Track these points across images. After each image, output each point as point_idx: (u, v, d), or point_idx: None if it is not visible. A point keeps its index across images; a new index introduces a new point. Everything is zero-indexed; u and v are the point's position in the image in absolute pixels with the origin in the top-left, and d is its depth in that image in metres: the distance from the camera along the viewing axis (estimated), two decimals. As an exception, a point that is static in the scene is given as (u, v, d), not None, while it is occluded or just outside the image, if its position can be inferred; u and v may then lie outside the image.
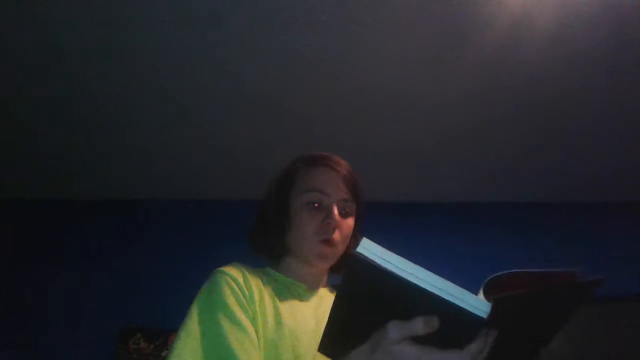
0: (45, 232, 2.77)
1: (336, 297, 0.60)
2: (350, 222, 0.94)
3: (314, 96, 2.11)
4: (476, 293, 0.54)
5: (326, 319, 0.61)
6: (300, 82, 2.02)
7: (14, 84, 2.06)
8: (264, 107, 2.17)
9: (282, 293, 0.87)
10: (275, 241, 0.95)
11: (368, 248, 0.52)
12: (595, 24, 1.72)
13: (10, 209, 2.82)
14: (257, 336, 0.76)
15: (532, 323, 0.59)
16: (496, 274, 0.54)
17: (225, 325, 0.74)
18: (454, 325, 0.53)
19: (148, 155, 2.50)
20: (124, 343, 2.36)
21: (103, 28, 1.77)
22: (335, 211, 0.90)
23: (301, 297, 0.90)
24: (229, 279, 0.81)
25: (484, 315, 0.50)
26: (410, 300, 0.53)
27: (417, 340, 0.54)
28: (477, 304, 0.50)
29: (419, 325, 0.53)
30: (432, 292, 0.51)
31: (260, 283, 0.86)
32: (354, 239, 0.95)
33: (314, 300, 0.91)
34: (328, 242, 0.89)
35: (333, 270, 0.97)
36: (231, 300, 0.78)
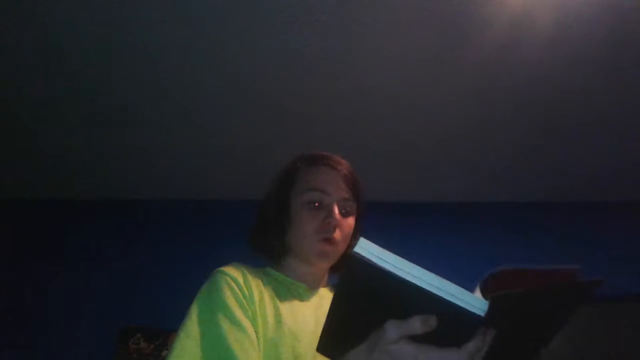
0: (45, 232, 2.77)
1: (334, 296, 0.60)
2: (350, 221, 0.94)
3: (314, 96, 2.11)
4: (474, 291, 0.54)
5: None
6: (300, 82, 2.02)
7: (14, 84, 2.06)
8: (264, 107, 2.17)
9: (282, 293, 0.87)
10: (276, 241, 0.95)
11: (365, 248, 0.52)
12: (595, 24, 1.72)
13: (10, 209, 2.82)
14: (257, 336, 0.76)
15: (531, 322, 0.58)
16: (493, 271, 0.54)
17: (225, 325, 0.74)
18: (451, 324, 0.53)
19: (148, 155, 2.50)
20: (124, 343, 2.36)
21: (103, 28, 1.77)
22: (336, 210, 0.90)
23: (301, 297, 0.90)
24: (228, 279, 0.81)
25: (482, 314, 0.50)
26: (408, 299, 0.53)
27: (415, 339, 0.54)
28: (475, 302, 0.51)
29: (417, 324, 0.54)
30: (429, 291, 0.51)
31: (261, 283, 0.86)
32: (355, 239, 0.95)
33: (314, 300, 0.91)
34: (329, 240, 0.89)
35: (333, 270, 0.97)
36: (231, 301, 0.78)
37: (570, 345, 2.33)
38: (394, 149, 2.43)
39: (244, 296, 0.80)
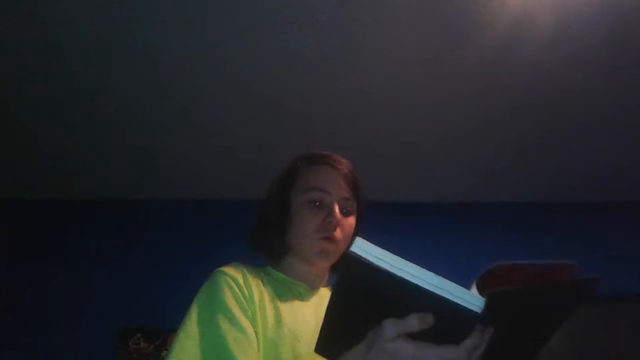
0: (45, 232, 2.77)
1: (331, 296, 0.60)
2: (351, 220, 0.94)
3: (314, 96, 2.10)
4: (470, 288, 0.54)
5: None
6: (300, 82, 2.02)
7: (14, 84, 2.06)
8: (264, 107, 2.17)
9: (283, 293, 0.87)
10: (276, 240, 0.95)
11: (362, 247, 0.53)
12: (595, 24, 1.72)
13: (10, 209, 2.82)
14: (257, 336, 0.76)
15: (529, 320, 0.58)
16: (489, 267, 0.54)
17: (224, 326, 0.74)
18: (449, 321, 0.53)
19: (148, 155, 2.50)
20: (124, 343, 2.36)
21: (103, 28, 1.77)
22: (337, 209, 0.90)
23: (302, 297, 0.90)
24: (228, 279, 0.81)
25: (478, 310, 0.50)
26: (404, 297, 0.53)
27: (413, 337, 0.55)
28: (471, 299, 0.51)
29: (414, 322, 0.54)
30: (426, 289, 0.51)
31: (261, 283, 0.86)
32: (355, 238, 0.95)
33: (314, 299, 0.91)
34: (329, 239, 0.89)
35: (334, 269, 0.97)
36: (231, 301, 0.78)
37: (571, 345, 2.33)
38: (394, 149, 2.43)
39: (244, 296, 0.80)
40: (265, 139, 2.36)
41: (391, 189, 2.65)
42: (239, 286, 0.81)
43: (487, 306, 0.50)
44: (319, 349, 0.63)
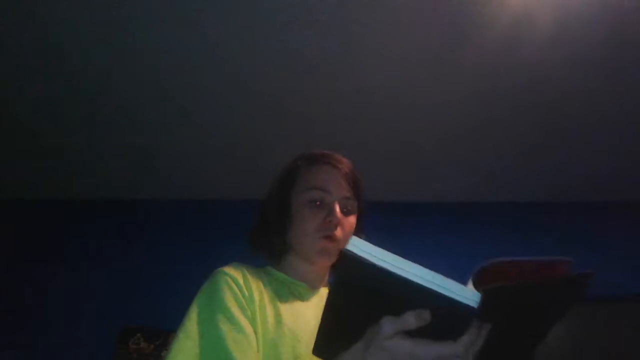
0: (45, 232, 2.77)
1: (328, 296, 0.60)
2: (352, 220, 0.94)
3: (314, 96, 2.11)
4: (466, 285, 0.54)
5: None
6: (300, 82, 2.02)
7: (14, 84, 2.06)
8: (264, 107, 2.17)
9: (283, 293, 0.87)
10: (277, 239, 0.95)
11: (358, 245, 0.53)
12: (595, 24, 1.72)
13: (10, 209, 2.82)
14: (256, 337, 0.76)
15: (526, 317, 0.59)
16: (484, 264, 0.54)
17: (224, 327, 0.74)
18: (446, 317, 0.53)
19: (148, 155, 2.50)
20: (124, 343, 2.36)
21: (103, 28, 1.77)
22: (337, 209, 0.90)
23: (302, 297, 0.89)
24: (228, 279, 0.81)
25: (474, 305, 0.50)
26: (401, 294, 0.53)
27: (411, 334, 0.55)
28: (467, 294, 0.51)
29: (411, 319, 0.54)
30: (422, 285, 0.51)
31: (261, 283, 0.86)
32: (351, 237, 0.95)
33: (315, 299, 0.91)
34: (330, 238, 0.89)
35: (334, 269, 0.97)
36: (230, 301, 0.78)
37: (571, 345, 2.33)
38: (394, 149, 2.43)
39: (244, 296, 0.80)
40: (265, 139, 2.36)
41: (391, 189, 2.65)
42: (239, 286, 0.80)
43: (483, 302, 0.50)
44: (317, 350, 0.63)
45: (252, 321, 0.77)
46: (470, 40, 1.80)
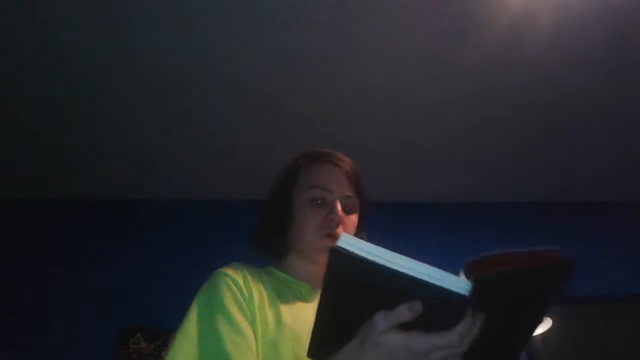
0: (45, 232, 2.77)
1: (321, 296, 0.60)
2: (354, 218, 0.94)
3: (314, 96, 2.11)
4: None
5: None
6: (300, 82, 2.02)
7: (14, 84, 2.06)
8: (264, 107, 2.17)
9: (284, 293, 0.87)
10: (278, 238, 0.94)
11: (348, 242, 0.53)
12: (595, 24, 1.72)
13: (10, 209, 2.82)
14: (256, 337, 0.76)
15: (517, 304, 0.59)
16: (475, 257, 0.54)
17: (223, 328, 0.73)
18: (438, 307, 0.53)
19: (148, 155, 2.50)
20: (124, 343, 2.36)
21: (103, 28, 1.77)
22: (339, 207, 0.90)
23: (303, 297, 0.89)
24: (229, 280, 0.81)
25: (466, 293, 0.51)
26: (393, 288, 0.54)
27: (405, 327, 0.55)
28: (458, 283, 0.51)
29: (405, 312, 0.54)
30: (413, 276, 0.51)
31: (261, 283, 0.86)
32: (357, 236, 0.95)
33: (316, 300, 0.90)
34: (331, 236, 0.88)
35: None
36: (230, 302, 0.77)
37: (571, 345, 2.33)
38: (394, 149, 2.43)
39: (244, 297, 0.79)
40: (265, 139, 2.35)
41: (391, 189, 2.65)
42: (239, 287, 0.80)
43: (474, 291, 0.51)
44: (311, 353, 0.63)
45: (252, 322, 0.77)
46: (470, 40, 1.80)
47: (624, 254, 2.55)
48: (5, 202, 2.82)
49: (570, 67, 1.92)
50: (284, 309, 0.83)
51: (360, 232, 0.96)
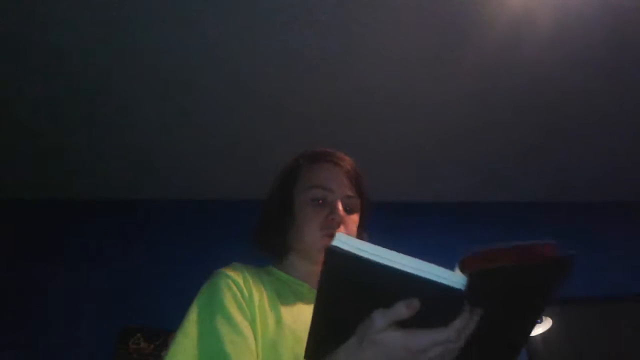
0: (45, 232, 2.77)
1: (317, 297, 0.60)
2: (355, 218, 0.94)
3: (314, 96, 2.11)
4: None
5: None
6: (300, 82, 2.02)
7: (14, 84, 2.06)
8: (264, 107, 2.17)
9: (284, 293, 0.87)
10: (278, 239, 0.94)
11: (343, 241, 0.53)
12: (595, 24, 1.72)
13: (10, 209, 2.82)
14: (256, 337, 0.76)
15: (515, 301, 0.59)
16: (470, 252, 0.54)
17: (223, 328, 0.73)
18: (435, 303, 0.53)
19: (148, 155, 2.50)
20: (124, 343, 2.36)
21: (103, 28, 1.77)
22: (340, 207, 0.90)
23: (304, 297, 0.89)
24: (229, 280, 0.81)
25: (462, 288, 0.51)
26: (390, 285, 0.54)
27: (403, 324, 0.55)
28: (454, 277, 0.51)
29: (402, 309, 0.54)
30: (409, 273, 0.51)
31: (261, 284, 0.85)
32: (359, 236, 0.95)
33: (316, 300, 0.91)
34: (332, 236, 0.88)
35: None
36: (230, 302, 0.77)
37: (571, 345, 2.33)
38: (394, 149, 2.43)
39: (244, 298, 0.79)
40: (265, 139, 2.35)
41: (391, 189, 2.65)
42: (239, 287, 0.80)
43: (470, 285, 0.50)
44: (309, 354, 0.63)
45: (252, 322, 0.77)
46: (470, 40, 1.80)
47: (624, 254, 2.55)
48: (5, 202, 2.82)
49: (570, 67, 1.92)
50: (284, 309, 0.83)
51: (362, 232, 0.96)
